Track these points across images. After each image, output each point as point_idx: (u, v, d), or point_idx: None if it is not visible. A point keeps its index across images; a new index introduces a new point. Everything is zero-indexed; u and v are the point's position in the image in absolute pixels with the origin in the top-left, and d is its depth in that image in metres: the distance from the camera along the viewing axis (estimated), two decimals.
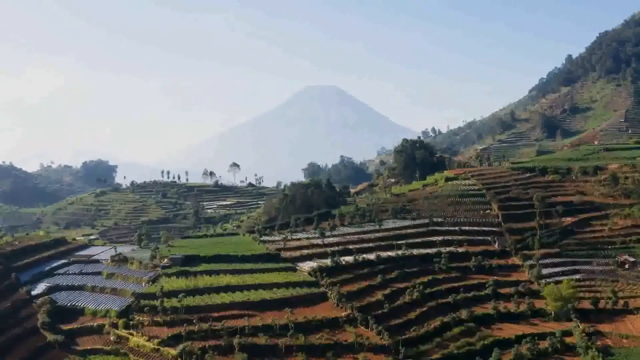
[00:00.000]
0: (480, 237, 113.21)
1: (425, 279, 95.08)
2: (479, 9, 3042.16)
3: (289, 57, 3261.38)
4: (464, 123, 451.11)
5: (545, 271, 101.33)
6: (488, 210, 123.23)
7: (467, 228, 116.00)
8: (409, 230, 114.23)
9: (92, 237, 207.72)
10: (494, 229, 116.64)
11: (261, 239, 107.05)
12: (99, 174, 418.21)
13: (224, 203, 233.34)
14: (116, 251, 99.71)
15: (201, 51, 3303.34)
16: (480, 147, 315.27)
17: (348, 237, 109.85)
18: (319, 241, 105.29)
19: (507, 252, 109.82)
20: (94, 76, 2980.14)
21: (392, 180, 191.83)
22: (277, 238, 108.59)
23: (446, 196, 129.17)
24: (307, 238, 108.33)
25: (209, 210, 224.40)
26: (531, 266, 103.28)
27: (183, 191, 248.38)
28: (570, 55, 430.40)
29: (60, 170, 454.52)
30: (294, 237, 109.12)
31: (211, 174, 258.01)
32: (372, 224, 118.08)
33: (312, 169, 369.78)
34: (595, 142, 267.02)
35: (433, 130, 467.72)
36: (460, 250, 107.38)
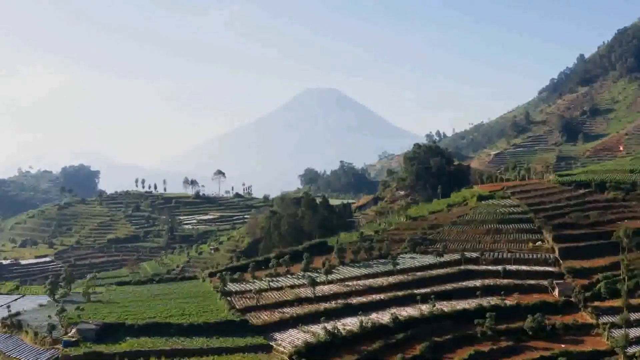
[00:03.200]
0: (533, 282, 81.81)
1: (465, 354, 64.34)
2: (477, 10, 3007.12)
3: (288, 59, 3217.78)
4: (471, 126, 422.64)
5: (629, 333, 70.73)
6: (539, 242, 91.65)
7: (513, 268, 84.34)
8: (435, 272, 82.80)
9: (46, 258, 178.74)
10: (550, 269, 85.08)
11: (226, 288, 75.11)
12: (79, 180, 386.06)
13: (205, 217, 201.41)
14: (9, 310, 67.80)
15: (201, 53, 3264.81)
16: (494, 152, 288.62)
17: (350, 283, 78.08)
18: (309, 291, 73.61)
19: (571, 303, 78.56)
20: (93, 76, 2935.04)
21: (402, 193, 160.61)
22: (249, 287, 76.73)
23: (480, 222, 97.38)
24: (292, 286, 76.36)
25: (186, 226, 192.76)
26: (611, 326, 72.66)
27: (159, 203, 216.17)
28: (582, 55, 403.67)
29: (39, 176, 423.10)
30: (272, 284, 77.34)
31: (192, 182, 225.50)
32: (383, 260, 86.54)
33: (310, 176, 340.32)
34: (621, 148, 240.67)
35: (437, 133, 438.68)
36: (508, 302, 76.21)
